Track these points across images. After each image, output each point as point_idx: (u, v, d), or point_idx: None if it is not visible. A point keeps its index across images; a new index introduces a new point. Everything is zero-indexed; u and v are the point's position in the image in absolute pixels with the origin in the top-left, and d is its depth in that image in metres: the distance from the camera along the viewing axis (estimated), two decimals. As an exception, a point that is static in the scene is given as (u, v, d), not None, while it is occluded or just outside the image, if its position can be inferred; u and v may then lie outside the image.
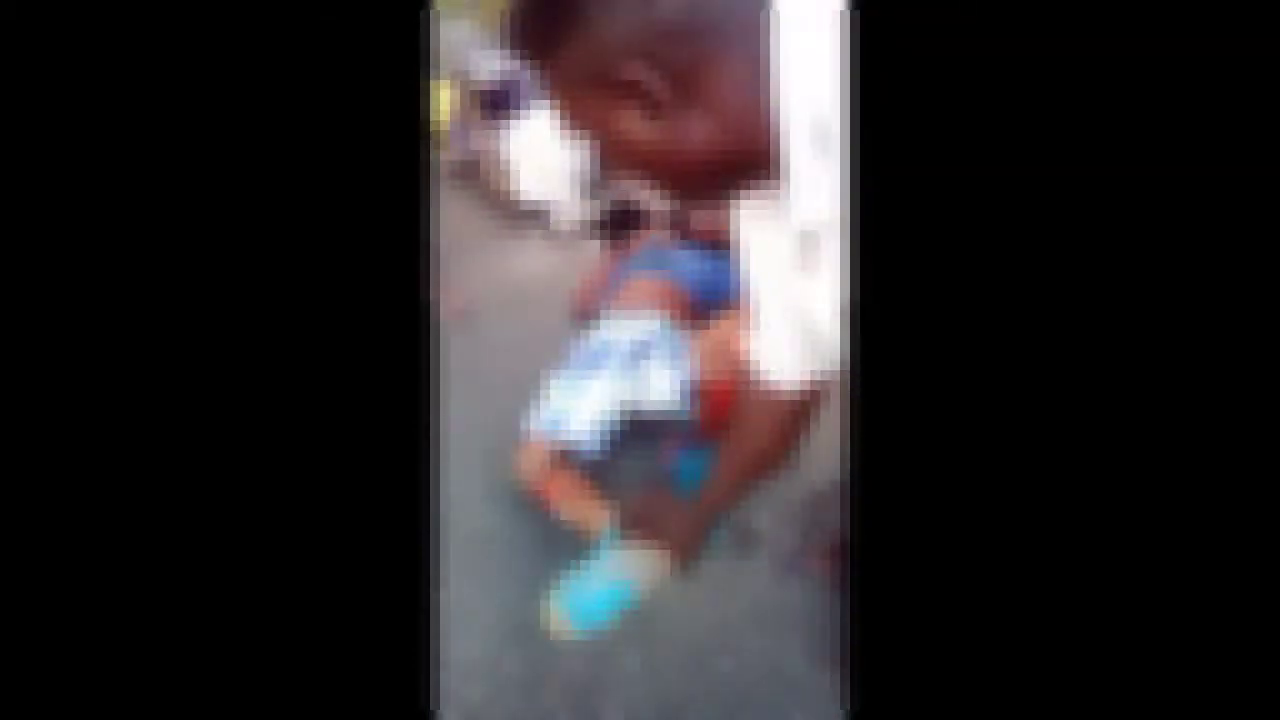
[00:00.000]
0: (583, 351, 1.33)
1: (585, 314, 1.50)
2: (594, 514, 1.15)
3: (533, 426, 1.27)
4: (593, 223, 2.00)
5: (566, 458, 1.23)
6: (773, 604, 1.12)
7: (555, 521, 1.19)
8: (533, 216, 2.02)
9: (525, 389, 1.40)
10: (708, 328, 1.33)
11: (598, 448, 1.25)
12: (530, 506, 1.24)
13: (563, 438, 1.22)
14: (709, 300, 1.46)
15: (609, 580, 0.88)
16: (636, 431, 1.33)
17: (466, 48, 2.26)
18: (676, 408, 1.23)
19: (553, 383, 1.31)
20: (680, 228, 1.63)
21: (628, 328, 1.34)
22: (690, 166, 0.47)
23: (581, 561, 0.91)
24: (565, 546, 1.16)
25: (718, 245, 1.60)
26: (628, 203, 2.02)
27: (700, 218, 1.62)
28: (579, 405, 1.25)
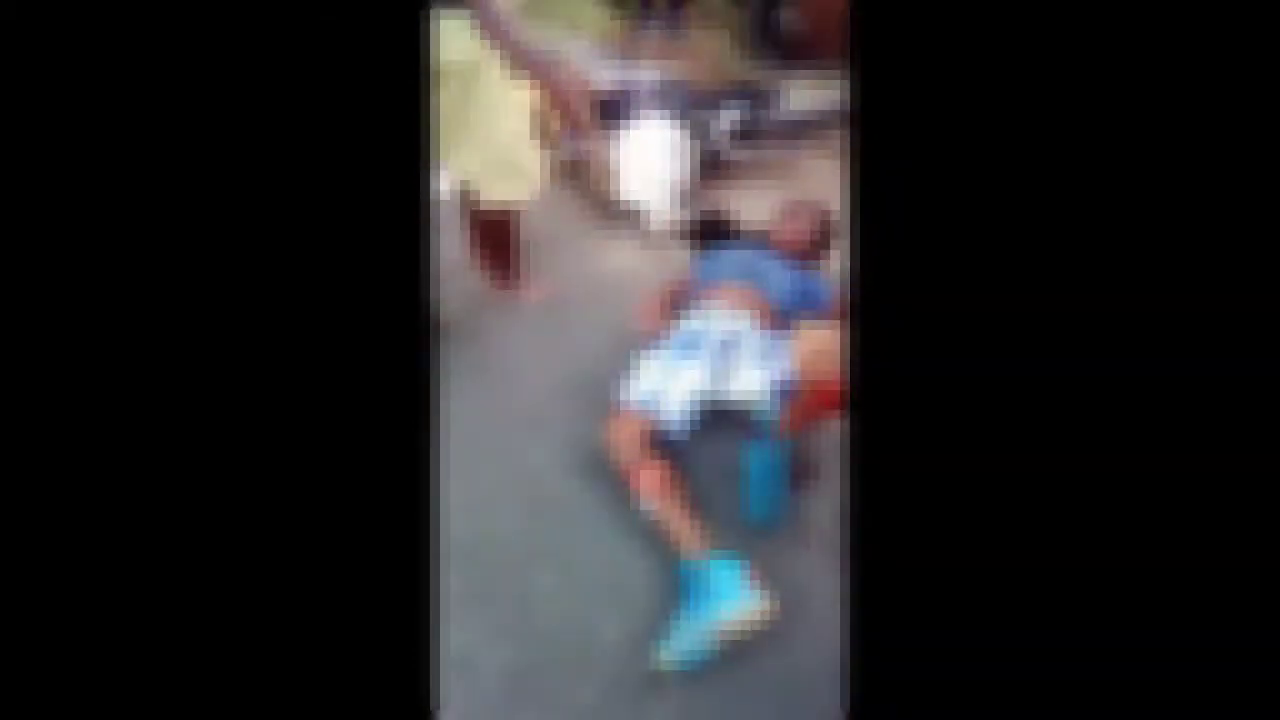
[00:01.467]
0: (677, 336, 1.42)
1: (649, 328, 1.57)
2: (683, 526, 1.19)
3: (625, 401, 1.35)
4: (684, 229, 2.11)
5: (655, 436, 1.30)
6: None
7: (634, 506, 1.25)
8: (628, 217, 2.14)
9: (604, 375, 1.52)
10: (791, 334, 1.38)
11: (685, 431, 1.33)
12: (611, 479, 1.32)
13: (654, 416, 1.30)
14: (791, 311, 1.53)
15: (708, 627, 1.05)
16: (716, 420, 1.39)
17: (587, 59, 2.43)
18: (762, 404, 1.28)
19: (646, 362, 1.40)
20: (766, 239, 1.71)
21: (719, 321, 1.42)
22: None
23: (686, 607, 1.07)
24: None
25: (802, 257, 1.67)
26: (719, 212, 2.11)
27: (786, 231, 1.69)
28: (671, 387, 1.33)
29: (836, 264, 1.79)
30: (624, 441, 1.29)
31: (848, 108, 2.52)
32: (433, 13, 1.27)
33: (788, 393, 1.25)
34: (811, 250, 1.71)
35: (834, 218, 1.76)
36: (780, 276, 1.56)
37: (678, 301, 1.61)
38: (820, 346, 1.23)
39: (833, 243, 1.76)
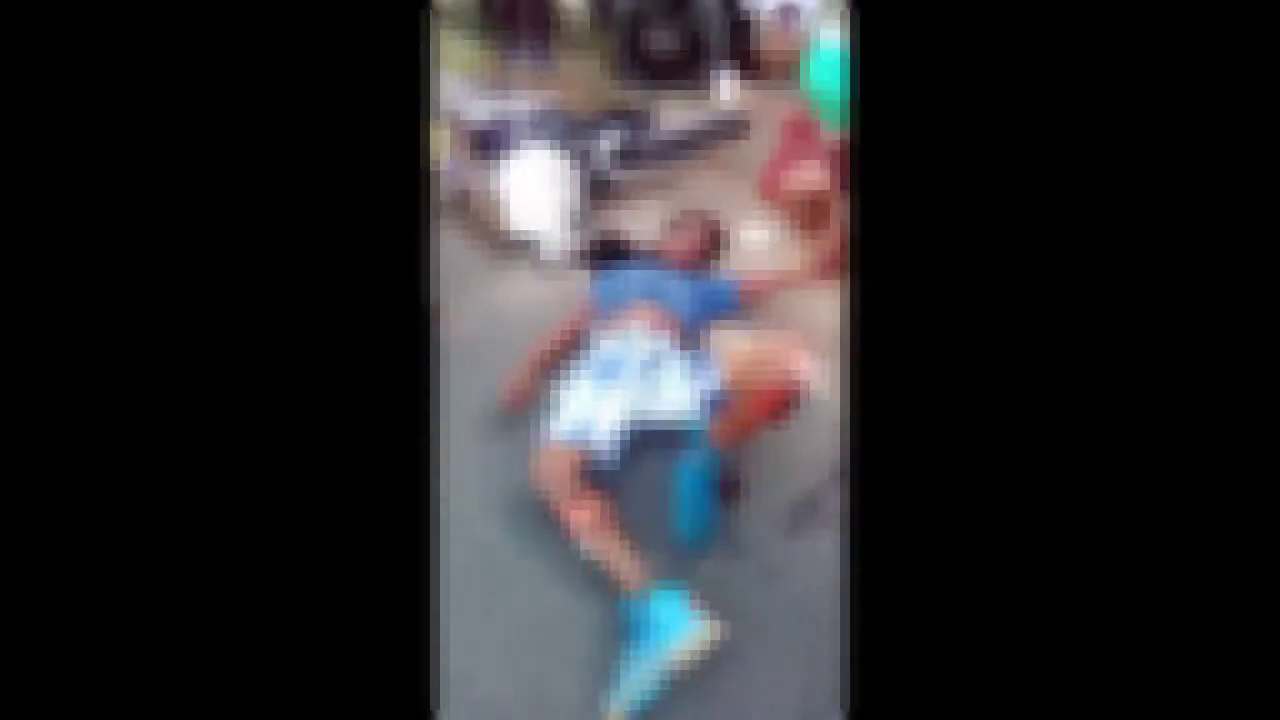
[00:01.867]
0: (597, 362, 1.39)
1: (515, 405, 1.51)
2: (619, 557, 1.16)
3: (552, 434, 1.30)
4: (579, 253, 2.10)
5: (585, 469, 1.25)
6: (770, 606, 1.17)
7: (565, 541, 1.20)
8: (521, 248, 2.11)
9: (514, 413, 1.47)
10: (711, 346, 1.39)
11: (616, 458, 1.30)
12: (542, 518, 1.26)
13: (584, 446, 1.26)
14: (699, 322, 1.55)
15: (656, 666, 1.01)
16: (645, 440, 1.37)
17: (460, 93, 2.39)
18: (690, 421, 1.28)
19: (568, 392, 1.35)
20: (658, 254, 1.73)
21: (636, 343, 1.41)
22: None
23: (630, 653, 1.03)
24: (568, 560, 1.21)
25: (694, 267, 1.70)
26: (612, 235, 2.12)
27: (677, 243, 1.72)
28: (599, 414, 1.29)
29: (728, 267, 1.84)
30: (554, 477, 1.23)
31: (721, 124, 2.61)
32: None
33: (717, 405, 1.25)
34: (702, 259, 1.75)
35: (722, 226, 1.80)
36: (681, 290, 1.58)
37: (548, 363, 1.56)
38: (748, 355, 1.24)
39: (722, 250, 1.81)
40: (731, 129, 2.60)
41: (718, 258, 1.80)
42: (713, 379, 1.29)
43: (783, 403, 1.20)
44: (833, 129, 1.67)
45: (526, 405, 1.48)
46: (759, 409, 1.21)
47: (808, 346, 1.21)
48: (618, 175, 2.39)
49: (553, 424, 1.32)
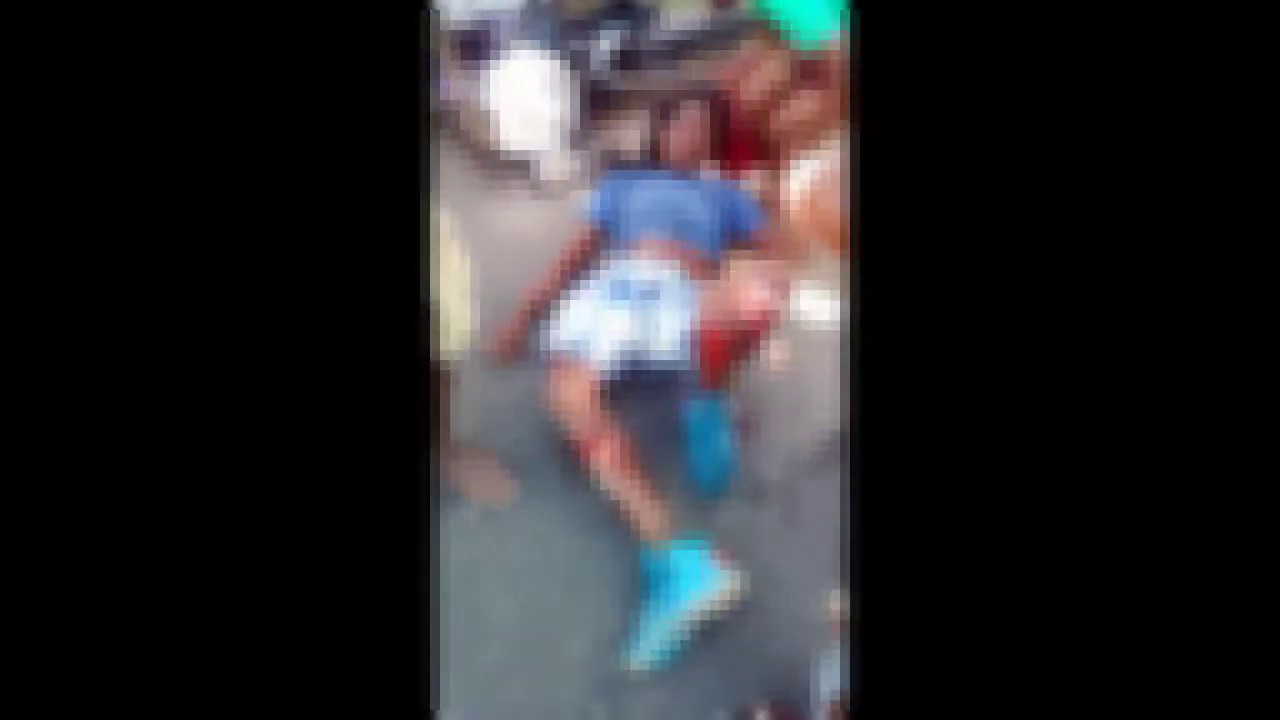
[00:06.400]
0: (600, 283, 1.31)
1: (506, 355, 1.40)
2: (643, 501, 1.07)
3: (554, 348, 1.21)
4: (580, 174, 1.94)
5: (605, 394, 1.17)
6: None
7: (582, 476, 1.13)
8: (517, 169, 1.95)
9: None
10: (716, 277, 1.29)
11: (614, 378, 1.22)
12: (558, 445, 1.18)
13: (584, 360, 1.17)
14: (721, 246, 1.43)
15: (676, 620, 0.95)
16: (644, 380, 1.28)
17: (439, -12, 2.14)
18: (678, 356, 1.19)
19: (570, 308, 1.26)
20: (656, 155, 1.58)
21: (641, 272, 1.31)
22: None
23: (650, 603, 0.98)
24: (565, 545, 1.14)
25: (701, 161, 1.55)
26: (616, 153, 1.95)
27: (679, 131, 1.55)
28: (599, 332, 1.20)
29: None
30: (574, 401, 1.12)
31: (729, 23, 2.37)
32: None
33: (695, 342, 1.15)
34: (710, 151, 1.57)
35: (730, 99, 1.61)
36: (701, 210, 1.44)
37: (543, 307, 1.43)
38: (730, 288, 1.13)
39: (730, 133, 1.61)
40: (745, 27, 2.35)
41: (726, 144, 1.62)
42: (690, 317, 1.18)
43: (738, 338, 1.08)
44: (810, 40, 1.47)
45: (519, 355, 1.38)
46: (716, 346, 1.10)
47: (787, 275, 1.08)
48: (618, 83, 2.18)
49: (552, 335, 1.23)
